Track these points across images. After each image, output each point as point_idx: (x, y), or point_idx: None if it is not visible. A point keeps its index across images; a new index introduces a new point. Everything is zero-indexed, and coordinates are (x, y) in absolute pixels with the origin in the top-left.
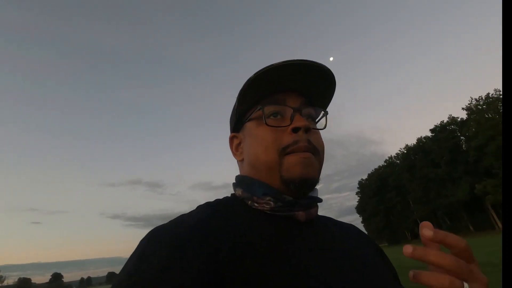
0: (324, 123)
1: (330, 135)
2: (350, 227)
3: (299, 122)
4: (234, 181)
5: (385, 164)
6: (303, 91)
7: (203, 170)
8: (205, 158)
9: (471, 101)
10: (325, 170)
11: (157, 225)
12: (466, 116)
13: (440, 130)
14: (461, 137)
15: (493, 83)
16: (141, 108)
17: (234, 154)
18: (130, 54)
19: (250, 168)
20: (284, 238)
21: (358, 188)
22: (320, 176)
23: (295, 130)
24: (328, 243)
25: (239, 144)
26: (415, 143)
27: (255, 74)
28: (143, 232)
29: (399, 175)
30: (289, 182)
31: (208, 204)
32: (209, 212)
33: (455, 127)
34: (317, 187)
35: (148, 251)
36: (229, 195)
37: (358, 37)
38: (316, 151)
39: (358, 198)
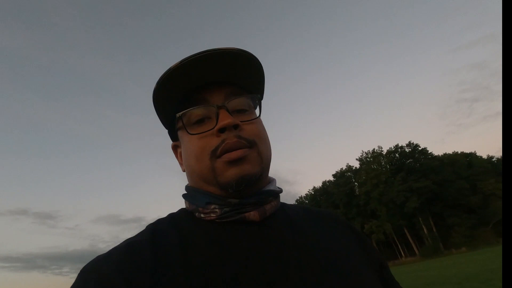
0: (259, 110)
1: None
2: (326, 216)
3: (224, 120)
4: (185, 192)
5: (296, 203)
6: (226, 82)
7: (110, 200)
8: (114, 187)
9: (362, 153)
10: None
11: (92, 258)
12: (359, 165)
13: (339, 176)
14: (355, 183)
15: (378, 141)
16: (34, 124)
17: (181, 165)
18: (24, 59)
19: (190, 179)
20: (233, 245)
21: None
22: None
23: (222, 130)
24: (289, 239)
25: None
26: (321, 185)
27: (157, 84)
28: (21, 276)
29: None
30: (227, 186)
31: (157, 221)
32: (148, 234)
33: (351, 174)
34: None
35: (77, 285)
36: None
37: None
38: (252, 144)
39: None
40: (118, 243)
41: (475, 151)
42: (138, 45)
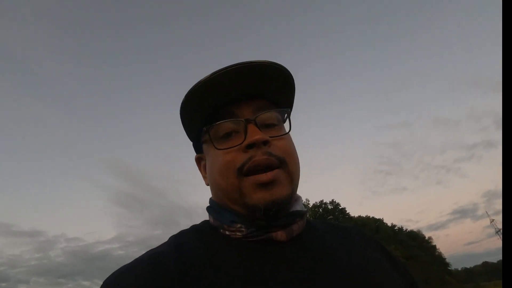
0: (289, 124)
1: (183, 204)
2: (352, 231)
3: (253, 135)
4: (208, 204)
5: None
6: (255, 95)
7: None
8: (10, 189)
9: None
10: (167, 238)
11: (116, 269)
12: None
13: None
14: None
15: (307, 193)
16: None
17: (204, 178)
18: None
19: (214, 194)
20: (259, 264)
21: None
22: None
23: (250, 146)
24: (318, 259)
25: (205, 165)
26: None
27: (186, 96)
28: None
29: None
30: (254, 210)
31: (181, 233)
32: (172, 246)
33: None
34: (299, 194)
35: None
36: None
37: None
38: (282, 162)
39: None
40: (138, 255)
41: (382, 218)
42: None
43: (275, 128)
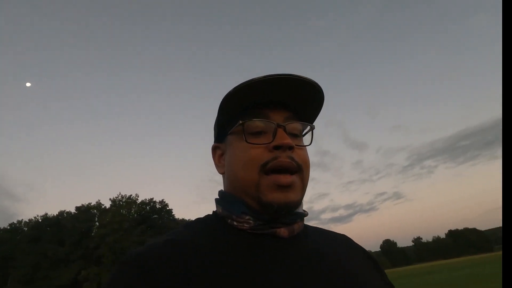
0: (310, 138)
1: None
2: (342, 238)
3: (281, 139)
4: (217, 197)
5: (8, 227)
6: (288, 105)
7: None
8: None
9: (118, 195)
10: None
11: (130, 251)
12: (110, 206)
13: (84, 210)
14: (97, 223)
15: (138, 188)
16: None
17: (217, 166)
18: None
19: (229, 184)
20: (262, 256)
21: None
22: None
23: (277, 148)
24: (313, 258)
25: (222, 155)
26: (56, 214)
27: (234, 88)
28: None
29: (17, 245)
30: (268, 206)
31: (186, 224)
32: (185, 233)
33: (97, 212)
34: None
35: (116, 276)
36: (211, 213)
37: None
38: (299, 169)
39: None
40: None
41: None
42: None
43: (298, 138)
